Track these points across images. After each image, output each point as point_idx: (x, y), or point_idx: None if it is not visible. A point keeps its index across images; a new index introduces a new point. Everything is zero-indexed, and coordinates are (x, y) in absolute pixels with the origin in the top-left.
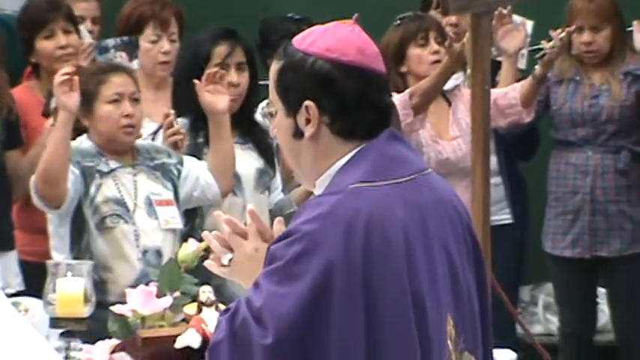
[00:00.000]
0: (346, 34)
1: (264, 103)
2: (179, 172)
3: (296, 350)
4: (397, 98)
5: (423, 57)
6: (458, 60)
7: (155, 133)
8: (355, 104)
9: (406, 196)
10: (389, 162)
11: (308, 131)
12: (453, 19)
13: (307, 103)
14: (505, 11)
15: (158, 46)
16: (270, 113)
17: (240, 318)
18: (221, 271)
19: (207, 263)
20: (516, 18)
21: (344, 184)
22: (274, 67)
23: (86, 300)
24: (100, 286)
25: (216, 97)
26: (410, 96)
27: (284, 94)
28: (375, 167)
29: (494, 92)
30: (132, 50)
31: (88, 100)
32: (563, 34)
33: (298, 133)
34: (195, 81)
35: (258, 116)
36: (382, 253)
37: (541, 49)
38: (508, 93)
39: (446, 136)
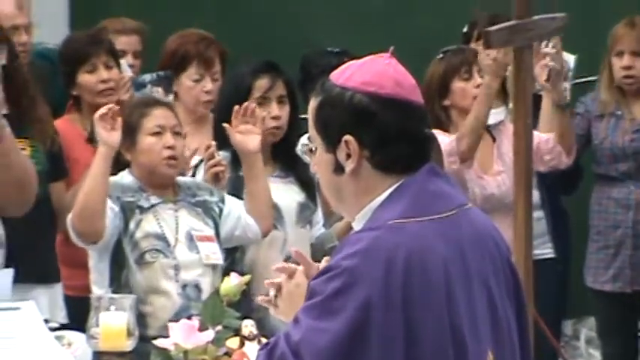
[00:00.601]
0: (383, 67)
1: (304, 138)
2: (220, 210)
3: None
4: (444, 144)
5: (467, 90)
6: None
7: (197, 166)
8: (395, 137)
9: (446, 231)
10: (429, 197)
11: (349, 166)
12: (493, 53)
13: (347, 137)
14: (549, 48)
15: (201, 85)
16: (310, 150)
17: (278, 352)
18: (269, 307)
19: (261, 299)
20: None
21: (383, 219)
22: (313, 103)
23: (129, 334)
24: (139, 319)
25: (247, 137)
26: (458, 141)
27: (323, 129)
28: (416, 203)
29: (537, 136)
30: (167, 85)
31: (130, 132)
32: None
33: (339, 169)
34: (225, 125)
35: (299, 150)
36: (422, 288)
37: (583, 82)
38: (549, 138)
39: (490, 171)
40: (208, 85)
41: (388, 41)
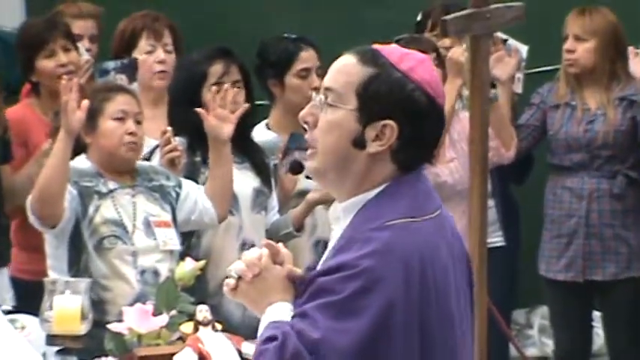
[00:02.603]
0: (434, 71)
1: (261, 125)
2: (177, 194)
3: None
4: None
5: None
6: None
7: (152, 151)
8: (426, 142)
9: (439, 229)
10: (423, 196)
11: (373, 148)
12: (447, 42)
13: (390, 122)
14: (500, 36)
15: (154, 57)
16: (326, 102)
17: (290, 349)
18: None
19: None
20: (511, 42)
21: (386, 217)
22: (359, 68)
23: (83, 317)
24: (98, 305)
25: (222, 124)
26: None
27: (368, 101)
28: (414, 202)
29: None
30: (131, 72)
31: (91, 116)
32: None
33: (360, 143)
34: (199, 110)
35: (255, 135)
36: (434, 287)
37: (537, 73)
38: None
39: (443, 158)
40: (161, 54)
41: (344, 29)
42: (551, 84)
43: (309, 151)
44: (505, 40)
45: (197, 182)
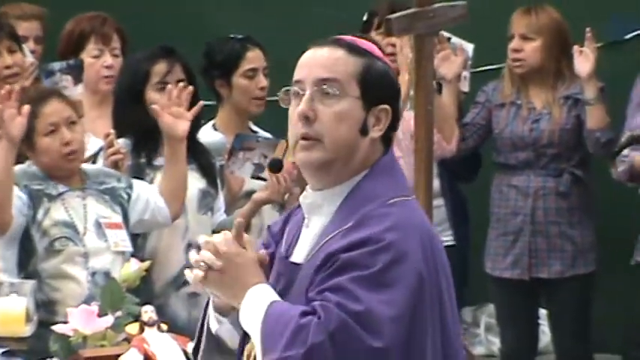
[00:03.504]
0: None
1: (208, 126)
2: (129, 195)
3: (402, 353)
4: None
5: None
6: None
7: (97, 153)
8: (399, 123)
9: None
10: (402, 176)
11: (376, 132)
12: (392, 39)
13: (386, 106)
14: (445, 35)
15: (101, 61)
16: (326, 93)
17: (335, 321)
18: (197, 281)
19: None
20: (455, 41)
21: (385, 195)
22: (353, 59)
23: (28, 319)
24: (48, 306)
25: (178, 121)
26: None
27: (368, 88)
28: (402, 180)
29: None
30: (77, 74)
31: (27, 134)
32: None
33: (365, 130)
34: (154, 107)
35: (202, 136)
36: (438, 258)
37: (482, 72)
38: None
39: None
40: (108, 59)
41: (291, 29)
42: (496, 82)
43: (306, 143)
44: (449, 39)
45: None
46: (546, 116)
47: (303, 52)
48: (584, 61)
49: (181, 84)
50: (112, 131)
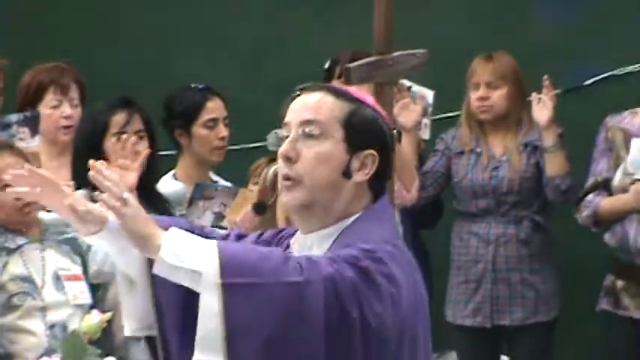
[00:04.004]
0: None
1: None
2: (88, 246)
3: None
4: None
5: None
6: None
7: None
8: (390, 172)
9: None
10: (395, 227)
11: (359, 177)
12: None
13: (372, 152)
14: (404, 83)
15: (59, 111)
16: (309, 134)
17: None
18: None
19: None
20: (416, 89)
21: (375, 240)
22: (339, 103)
23: None
24: (5, 359)
25: (125, 174)
26: None
27: (353, 132)
28: (393, 230)
29: None
30: (34, 125)
31: None
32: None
33: (348, 173)
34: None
35: (162, 185)
36: (421, 305)
37: (443, 119)
38: None
39: None
40: (67, 110)
41: (254, 79)
42: (454, 130)
43: (288, 184)
44: (409, 87)
45: None
46: (506, 163)
47: (264, 101)
48: (542, 108)
49: (125, 136)
50: (71, 183)
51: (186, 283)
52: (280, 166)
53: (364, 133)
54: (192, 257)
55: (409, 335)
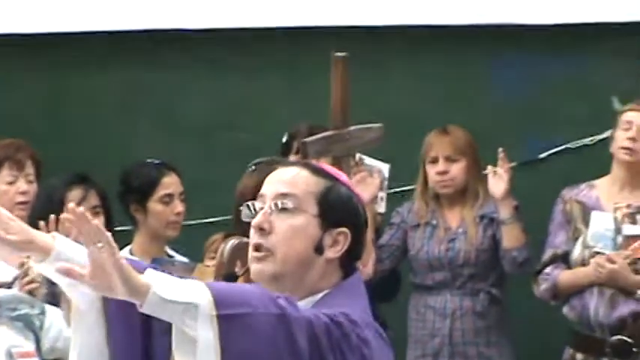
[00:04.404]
0: None
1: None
2: (42, 323)
3: None
4: None
5: None
6: None
7: (13, 282)
8: (362, 251)
9: None
10: (367, 301)
11: (331, 253)
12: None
13: (345, 230)
14: (361, 157)
15: (15, 187)
16: (283, 208)
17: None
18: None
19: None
20: (370, 162)
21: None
22: (315, 179)
23: None
24: None
25: None
26: None
27: (328, 209)
28: (364, 304)
29: None
30: None
31: None
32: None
33: (320, 249)
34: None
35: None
36: None
37: (398, 192)
38: None
39: None
40: (23, 185)
41: (210, 154)
42: (410, 203)
43: (259, 255)
44: (363, 161)
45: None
46: (462, 236)
47: (220, 176)
48: (498, 181)
49: (64, 215)
50: (27, 260)
51: (175, 319)
52: (252, 237)
53: (339, 210)
54: (184, 292)
55: None
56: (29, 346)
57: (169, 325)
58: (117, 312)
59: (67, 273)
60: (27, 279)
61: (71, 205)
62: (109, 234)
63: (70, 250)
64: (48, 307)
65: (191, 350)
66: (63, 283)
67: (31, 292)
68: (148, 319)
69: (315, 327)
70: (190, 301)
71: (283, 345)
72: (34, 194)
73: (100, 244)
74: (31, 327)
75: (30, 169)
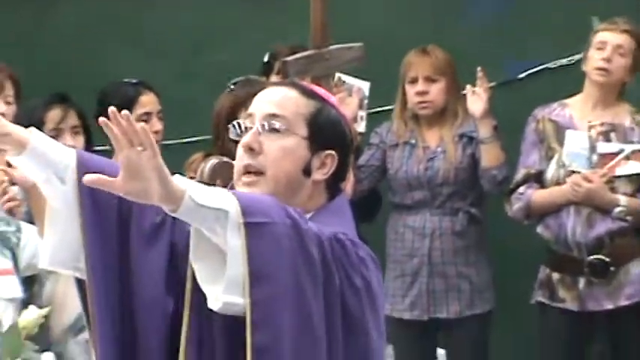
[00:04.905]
0: None
1: None
2: (18, 239)
3: None
4: None
5: None
6: None
7: None
8: (347, 173)
9: None
10: (352, 222)
11: (318, 175)
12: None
13: (333, 152)
14: (340, 77)
15: None
16: (273, 128)
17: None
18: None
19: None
20: (351, 81)
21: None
22: (305, 101)
23: None
24: None
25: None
26: None
27: (317, 131)
28: (351, 224)
29: None
30: None
31: None
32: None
33: (308, 170)
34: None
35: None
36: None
37: (376, 113)
38: None
39: None
40: (1, 106)
41: (189, 74)
42: (389, 123)
43: (249, 180)
44: (344, 81)
45: None
46: (441, 155)
47: (199, 96)
48: (476, 100)
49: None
50: (6, 178)
51: (205, 225)
52: (242, 157)
53: (328, 133)
54: (215, 198)
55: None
56: (7, 263)
57: (151, 231)
58: (93, 212)
59: (96, 182)
60: (6, 197)
61: (112, 108)
62: (152, 135)
63: (45, 145)
64: (24, 225)
65: (207, 255)
66: (39, 179)
67: (10, 211)
68: (124, 221)
69: (322, 240)
70: (221, 207)
71: (299, 253)
72: (13, 115)
73: (140, 147)
74: (8, 244)
75: (9, 90)
